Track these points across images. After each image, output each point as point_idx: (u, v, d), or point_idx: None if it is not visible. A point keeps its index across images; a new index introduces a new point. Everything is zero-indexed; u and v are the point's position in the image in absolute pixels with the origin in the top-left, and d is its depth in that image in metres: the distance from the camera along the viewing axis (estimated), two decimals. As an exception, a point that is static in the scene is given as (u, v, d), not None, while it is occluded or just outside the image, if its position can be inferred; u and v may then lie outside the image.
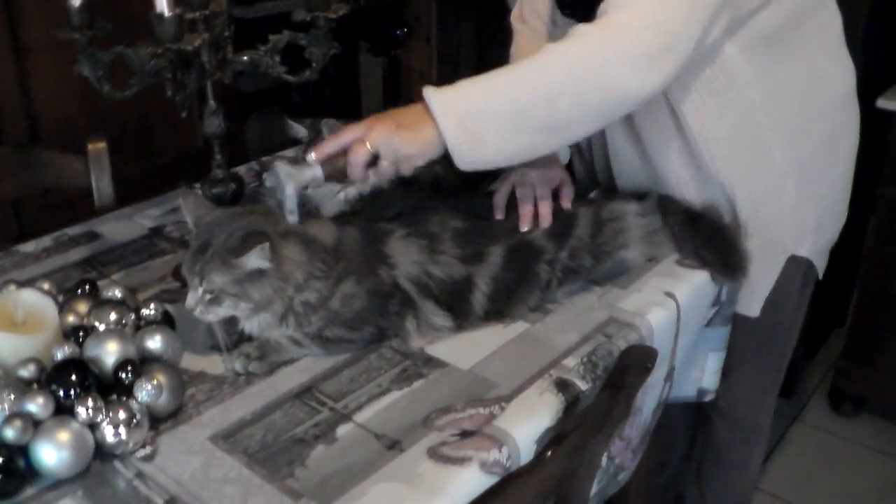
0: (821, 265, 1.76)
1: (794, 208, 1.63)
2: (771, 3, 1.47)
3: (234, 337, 1.33)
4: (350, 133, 1.32)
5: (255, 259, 1.23)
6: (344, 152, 1.32)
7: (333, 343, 1.33)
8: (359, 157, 1.30)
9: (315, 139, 1.56)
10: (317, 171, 1.32)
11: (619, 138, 1.68)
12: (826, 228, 1.73)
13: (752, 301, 1.69)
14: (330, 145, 1.33)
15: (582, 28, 1.35)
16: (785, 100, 1.56)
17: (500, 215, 1.50)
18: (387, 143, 1.30)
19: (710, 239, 1.56)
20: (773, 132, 1.57)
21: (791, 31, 1.53)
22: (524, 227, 1.47)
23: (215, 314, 1.28)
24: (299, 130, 1.60)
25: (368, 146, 1.30)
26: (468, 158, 1.31)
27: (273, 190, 1.52)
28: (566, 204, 1.53)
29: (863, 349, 2.71)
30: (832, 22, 1.61)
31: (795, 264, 1.68)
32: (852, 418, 2.83)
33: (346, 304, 1.32)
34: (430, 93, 1.31)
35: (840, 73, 1.65)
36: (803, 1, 1.53)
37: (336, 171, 1.32)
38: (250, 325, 1.32)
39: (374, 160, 1.31)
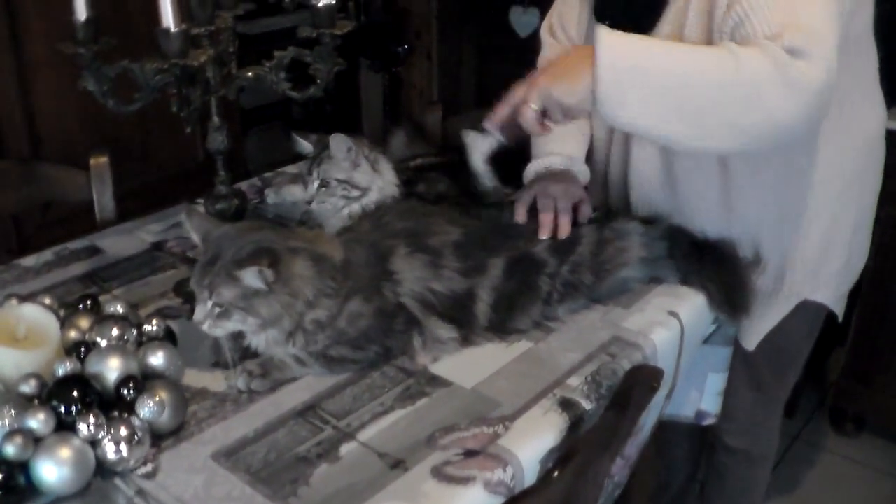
0: (839, 308, 1.72)
1: (817, 254, 1.61)
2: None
3: (238, 353, 1.33)
4: (515, 94, 1.35)
5: (251, 278, 1.23)
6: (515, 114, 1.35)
7: (337, 363, 1.32)
8: (527, 117, 1.33)
9: (320, 154, 1.56)
10: (497, 137, 1.38)
11: (646, 161, 1.64)
12: (846, 276, 1.70)
13: (750, 335, 1.68)
14: (500, 110, 1.37)
15: (767, 44, 1.26)
16: (819, 138, 1.52)
17: (521, 220, 1.51)
18: (548, 97, 1.32)
19: (717, 273, 1.54)
20: (806, 172, 1.54)
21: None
22: (543, 236, 1.48)
23: (223, 328, 1.27)
24: (305, 146, 1.60)
25: (533, 106, 1.32)
26: (607, 111, 1.30)
27: (278, 206, 1.54)
28: (582, 220, 1.54)
29: (864, 368, 2.70)
30: (870, 58, 1.57)
31: (805, 308, 1.66)
32: (853, 437, 2.82)
33: (353, 323, 1.31)
34: (601, 37, 1.28)
35: (873, 111, 1.61)
36: (856, 39, 1.48)
37: (512, 131, 1.37)
38: (257, 341, 1.31)
39: (544, 113, 1.34)
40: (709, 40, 1.41)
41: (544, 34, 1.82)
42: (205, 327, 1.27)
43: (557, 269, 1.47)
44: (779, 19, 1.27)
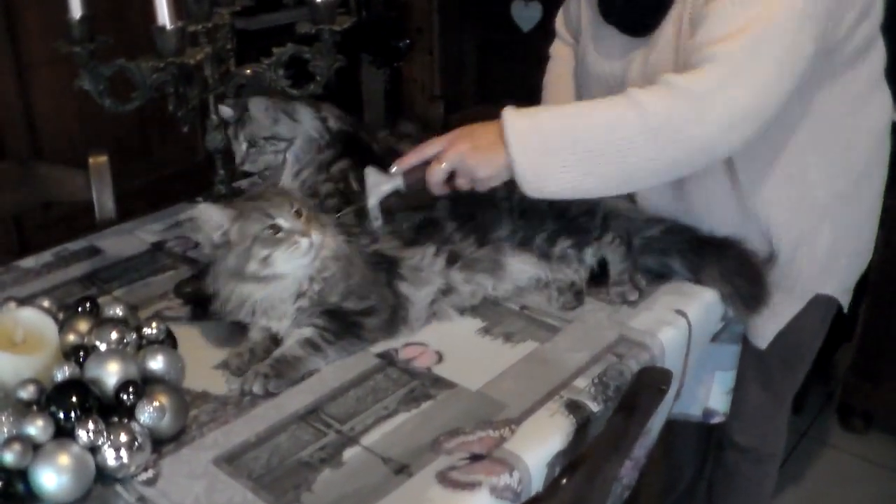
0: (845, 300, 1.72)
1: (828, 247, 1.60)
2: (843, 47, 1.44)
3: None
4: (429, 148, 1.37)
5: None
6: (423, 165, 1.37)
7: (350, 332, 1.34)
8: (436, 175, 1.35)
9: (242, 117, 1.62)
10: (399, 182, 1.39)
11: None
12: (855, 267, 1.70)
13: (762, 333, 1.66)
14: (410, 158, 1.38)
15: (668, 79, 1.32)
16: (829, 134, 1.52)
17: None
18: (462, 163, 1.34)
19: (728, 267, 1.52)
20: (816, 168, 1.53)
21: (844, 66, 1.48)
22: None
23: (320, 229, 1.31)
24: (226, 111, 1.62)
25: (444, 166, 1.34)
26: (532, 188, 1.34)
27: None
28: None
29: (872, 364, 2.68)
30: (878, 55, 1.55)
31: (817, 302, 1.65)
32: (862, 434, 2.80)
33: (351, 265, 1.37)
34: (507, 119, 1.33)
35: (880, 106, 1.60)
36: (866, 40, 1.48)
37: (416, 182, 1.38)
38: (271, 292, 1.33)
39: (451, 176, 1.36)
40: None
41: (559, 27, 1.86)
42: (315, 237, 1.29)
43: (509, 195, 1.50)
44: (732, 26, 1.30)
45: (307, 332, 1.34)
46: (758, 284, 1.51)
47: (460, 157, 1.34)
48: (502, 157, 1.32)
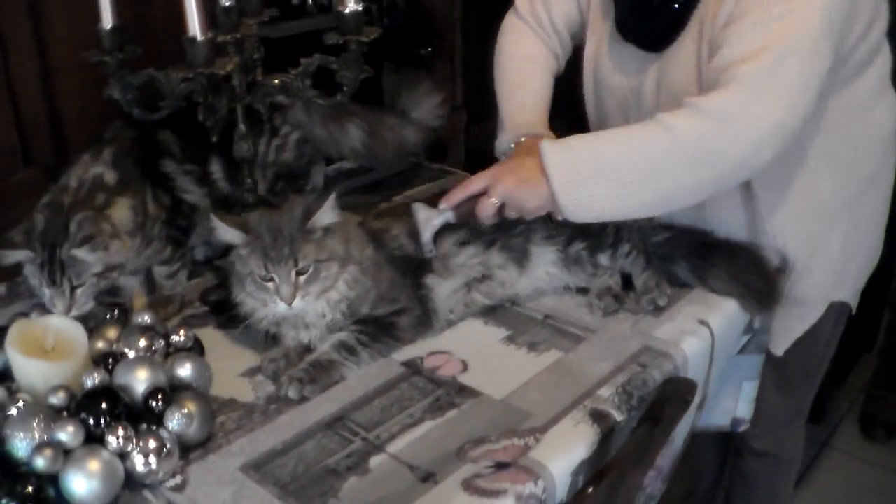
0: (855, 303, 1.74)
1: (839, 254, 1.61)
2: (850, 58, 1.46)
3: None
4: (477, 183, 1.42)
5: (326, 216, 1.32)
6: (470, 198, 1.42)
7: (383, 335, 1.37)
8: (488, 209, 1.40)
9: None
10: (448, 217, 1.45)
11: None
12: (865, 270, 1.72)
13: (780, 342, 1.67)
14: (458, 195, 1.43)
15: (695, 102, 1.35)
16: (837, 142, 1.54)
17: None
18: (510, 197, 1.40)
19: (736, 269, 1.52)
20: (825, 176, 1.55)
21: (851, 75, 1.50)
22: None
23: (312, 293, 1.32)
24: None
25: (494, 201, 1.39)
26: (574, 215, 1.40)
27: None
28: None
29: (893, 374, 2.67)
30: (883, 61, 1.57)
31: (831, 308, 1.67)
32: (884, 444, 2.79)
33: (380, 272, 1.40)
34: (546, 153, 1.39)
35: (886, 111, 1.62)
36: (872, 49, 1.50)
37: (465, 215, 1.44)
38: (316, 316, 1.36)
39: (501, 207, 1.41)
40: None
41: (523, 5, 1.78)
42: (296, 304, 1.31)
43: None
44: (753, 46, 1.33)
45: (343, 335, 1.36)
46: (770, 280, 1.52)
47: (508, 191, 1.39)
48: (546, 189, 1.38)
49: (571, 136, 1.42)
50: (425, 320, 1.43)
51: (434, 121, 1.95)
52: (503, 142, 1.68)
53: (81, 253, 1.34)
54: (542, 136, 1.61)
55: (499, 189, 1.39)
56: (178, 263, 1.56)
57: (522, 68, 1.75)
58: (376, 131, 1.81)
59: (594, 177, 1.36)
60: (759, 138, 1.34)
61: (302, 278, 1.30)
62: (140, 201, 1.48)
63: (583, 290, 1.55)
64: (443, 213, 1.44)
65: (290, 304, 1.30)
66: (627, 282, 1.53)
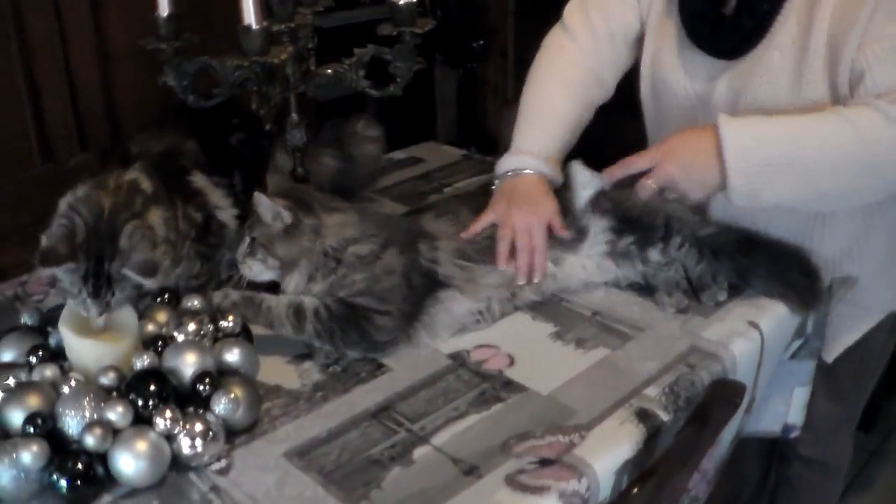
0: None
1: (890, 261, 1.59)
2: None
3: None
4: (641, 162, 1.40)
5: (267, 213, 1.35)
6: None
7: (356, 322, 1.35)
8: (646, 192, 1.40)
9: None
10: (604, 184, 1.44)
11: None
12: None
13: (832, 348, 1.65)
14: (618, 171, 1.42)
15: (882, 105, 1.31)
16: None
17: (470, 236, 1.49)
18: (673, 184, 1.38)
19: (790, 263, 1.50)
20: None
21: None
22: (521, 281, 1.46)
23: (251, 267, 1.38)
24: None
25: (654, 185, 1.39)
26: (743, 201, 1.38)
27: None
28: (562, 233, 1.49)
29: (947, 384, 2.61)
30: None
31: (887, 317, 1.65)
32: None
33: (386, 276, 1.37)
34: (727, 135, 1.34)
35: None
36: None
37: (622, 188, 1.44)
38: (285, 284, 1.40)
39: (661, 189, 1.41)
40: (832, 82, 1.41)
41: (573, 15, 1.71)
42: (240, 264, 1.38)
43: None
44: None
45: (307, 299, 1.36)
46: (814, 280, 1.48)
47: (671, 179, 1.38)
48: (717, 177, 1.36)
49: (749, 118, 1.38)
50: (408, 332, 1.39)
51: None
52: (502, 166, 1.59)
53: (134, 275, 1.29)
54: (542, 175, 1.55)
55: (662, 174, 1.38)
56: (205, 277, 1.51)
57: (551, 92, 1.66)
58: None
59: (777, 167, 1.34)
60: None
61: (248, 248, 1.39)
62: (172, 215, 1.42)
63: (632, 287, 1.54)
64: (600, 179, 1.42)
65: (248, 267, 1.39)
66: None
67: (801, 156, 1.33)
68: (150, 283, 1.31)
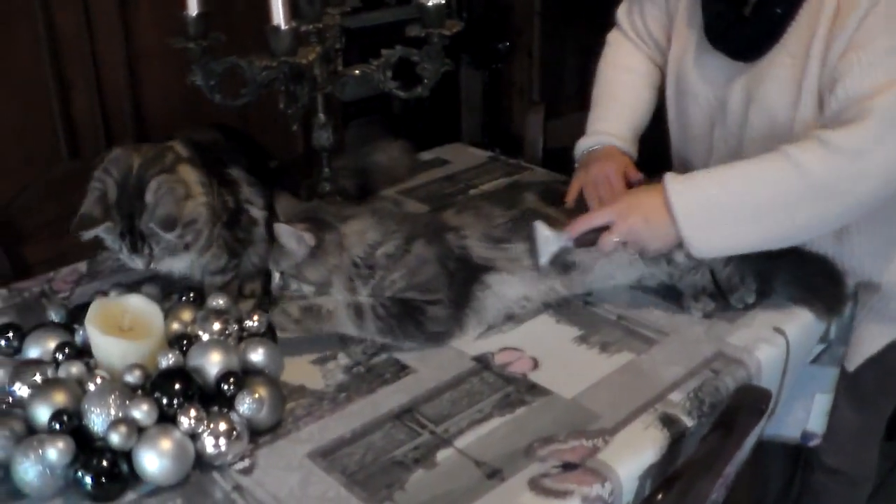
0: None
1: None
2: None
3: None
4: (599, 218, 1.42)
5: (288, 238, 1.34)
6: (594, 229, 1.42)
7: (410, 309, 1.36)
8: (609, 246, 1.40)
9: None
10: (569, 244, 1.42)
11: None
12: None
13: (854, 357, 1.63)
14: (580, 226, 1.41)
15: (824, 136, 1.32)
16: None
17: (570, 205, 1.58)
18: (635, 236, 1.39)
19: (814, 269, 1.50)
20: None
21: None
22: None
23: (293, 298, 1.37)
24: None
25: (616, 239, 1.39)
26: (700, 252, 1.40)
27: None
28: (637, 176, 1.61)
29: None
30: None
31: None
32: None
33: (421, 267, 1.39)
34: (671, 192, 1.37)
35: None
36: None
37: (585, 243, 1.43)
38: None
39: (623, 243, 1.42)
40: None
41: (622, 17, 1.83)
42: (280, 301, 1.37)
43: None
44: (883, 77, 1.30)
45: (361, 298, 1.38)
46: (838, 284, 1.49)
47: (632, 231, 1.39)
48: (672, 229, 1.37)
49: (695, 173, 1.41)
50: (458, 319, 1.41)
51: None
52: (579, 147, 1.71)
53: (157, 229, 1.34)
54: (616, 146, 1.66)
55: (622, 228, 1.39)
56: (231, 273, 1.53)
57: (617, 78, 1.79)
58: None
59: (723, 215, 1.36)
60: (890, 173, 1.32)
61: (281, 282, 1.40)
62: (207, 181, 1.43)
63: (657, 291, 1.53)
64: (563, 237, 1.42)
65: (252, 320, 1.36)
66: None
67: (747, 201, 1.35)
68: (170, 237, 1.34)
